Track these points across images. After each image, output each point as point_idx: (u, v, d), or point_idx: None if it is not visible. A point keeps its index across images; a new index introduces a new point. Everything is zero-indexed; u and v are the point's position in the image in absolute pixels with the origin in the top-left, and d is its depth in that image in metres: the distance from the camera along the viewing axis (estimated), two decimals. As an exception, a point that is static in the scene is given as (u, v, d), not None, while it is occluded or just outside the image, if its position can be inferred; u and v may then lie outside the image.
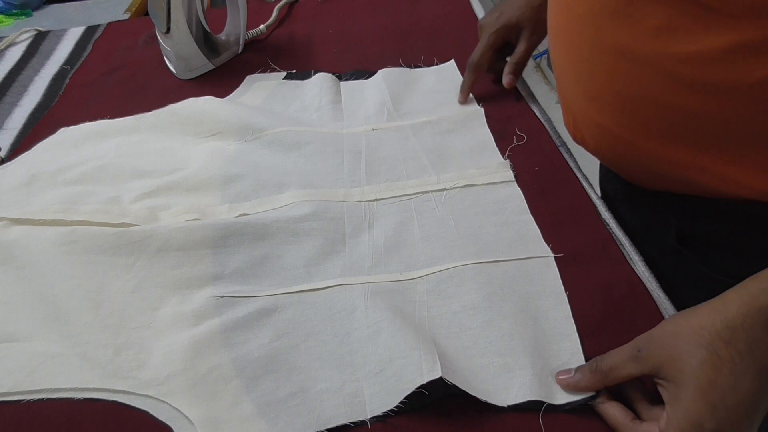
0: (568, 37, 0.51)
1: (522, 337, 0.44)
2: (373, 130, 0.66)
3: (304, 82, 0.77)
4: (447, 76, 0.76)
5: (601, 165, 0.69)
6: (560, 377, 0.41)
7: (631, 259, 0.50)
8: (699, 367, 0.35)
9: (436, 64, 0.79)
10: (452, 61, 0.78)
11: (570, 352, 0.43)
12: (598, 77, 0.49)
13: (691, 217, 0.53)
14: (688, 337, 0.37)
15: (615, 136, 0.51)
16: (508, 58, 0.72)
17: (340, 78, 0.77)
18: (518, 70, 0.71)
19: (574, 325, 0.45)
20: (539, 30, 0.69)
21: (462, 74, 0.73)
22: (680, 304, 0.46)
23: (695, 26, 0.40)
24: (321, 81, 0.76)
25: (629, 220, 0.61)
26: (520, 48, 0.70)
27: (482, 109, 0.69)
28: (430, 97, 0.72)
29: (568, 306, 0.46)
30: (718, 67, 0.41)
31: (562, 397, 0.40)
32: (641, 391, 0.40)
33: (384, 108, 0.70)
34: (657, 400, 0.38)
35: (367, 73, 0.78)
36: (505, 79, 0.70)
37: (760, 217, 0.48)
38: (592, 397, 0.40)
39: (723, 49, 0.40)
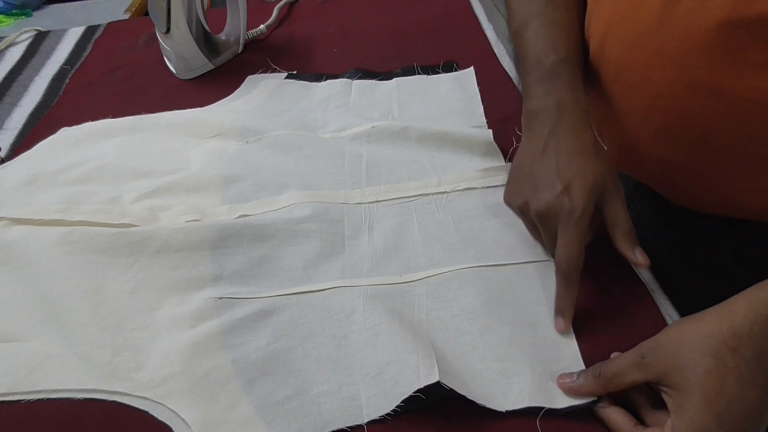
0: (637, 76, 0.48)
1: (521, 342, 0.44)
2: (373, 126, 0.66)
3: (312, 84, 0.77)
4: (461, 84, 0.74)
5: (630, 184, 0.61)
6: (562, 381, 0.41)
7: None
8: (705, 376, 0.35)
9: (437, 65, 0.78)
10: (471, 68, 0.77)
11: (570, 357, 0.43)
12: (676, 114, 0.46)
13: (748, 239, 0.52)
14: (693, 344, 0.36)
15: (684, 169, 0.49)
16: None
17: (352, 78, 0.77)
18: (636, 239, 0.47)
19: (572, 331, 0.45)
20: (616, 176, 0.49)
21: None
22: (681, 306, 0.46)
23: None
24: (331, 86, 0.75)
25: (662, 240, 0.58)
26: (618, 211, 0.48)
27: (491, 132, 0.64)
28: (439, 105, 0.71)
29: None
30: None
31: (562, 401, 0.40)
32: (645, 395, 0.40)
33: (389, 116, 0.70)
34: (660, 405, 0.38)
35: (376, 74, 0.78)
36: (641, 260, 0.46)
37: None
38: (594, 402, 0.40)
39: None
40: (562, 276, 0.46)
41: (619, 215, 0.47)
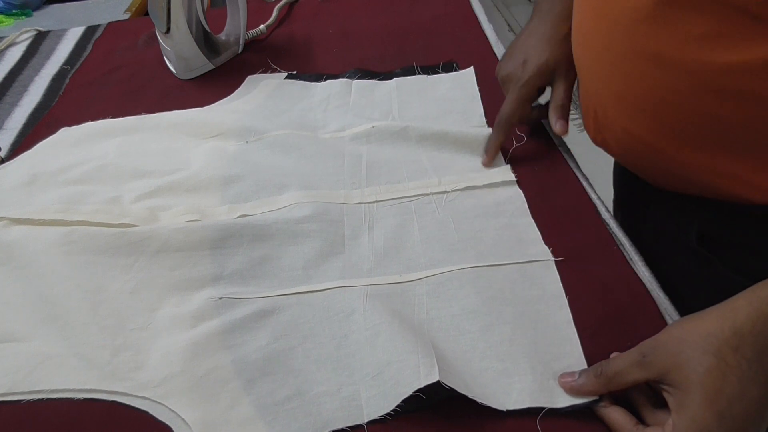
0: (600, 42, 0.50)
1: (522, 342, 0.44)
2: (373, 126, 0.66)
3: (312, 84, 0.77)
4: (461, 84, 0.75)
5: (615, 167, 0.69)
6: (563, 380, 0.41)
7: (631, 259, 0.50)
8: (706, 375, 0.35)
9: (437, 65, 0.78)
10: (471, 68, 0.77)
11: (571, 356, 0.43)
12: (631, 83, 0.48)
13: (713, 219, 0.53)
14: (694, 343, 0.36)
15: (644, 141, 0.50)
16: (540, 102, 0.65)
17: (351, 78, 0.77)
18: (566, 113, 0.62)
19: (574, 329, 0.45)
20: (572, 65, 0.60)
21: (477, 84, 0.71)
22: (682, 305, 0.46)
23: (739, 36, 0.40)
24: (331, 86, 0.75)
25: (645, 222, 0.60)
26: (560, 89, 0.62)
27: (491, 131, 0.63)
28: (439, 105, 0.71)
29: (569, 310, 0.46)
30: (758, 78, 0.40)
31: (563, 401, 0.40)
32: (646, 395, 0.40)
33: (390, 116, 0.70)
34: (661, 404, 0.38)
35: (376, 74, 0.78)
36: (558, 126, 0.60)
37: None
38: (595, 401, 0.40)
39: (765, 59, 0.39)
40: (496, 124, 0.61)
41: (559, 93, 0.61)
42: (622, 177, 0.66)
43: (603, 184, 0.68)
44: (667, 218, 0.58)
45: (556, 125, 0.60)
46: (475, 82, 0.74)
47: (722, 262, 0.53)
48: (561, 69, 0.61)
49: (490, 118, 0.68)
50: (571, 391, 0.40)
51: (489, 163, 0.61)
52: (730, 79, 0.42)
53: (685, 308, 0.43)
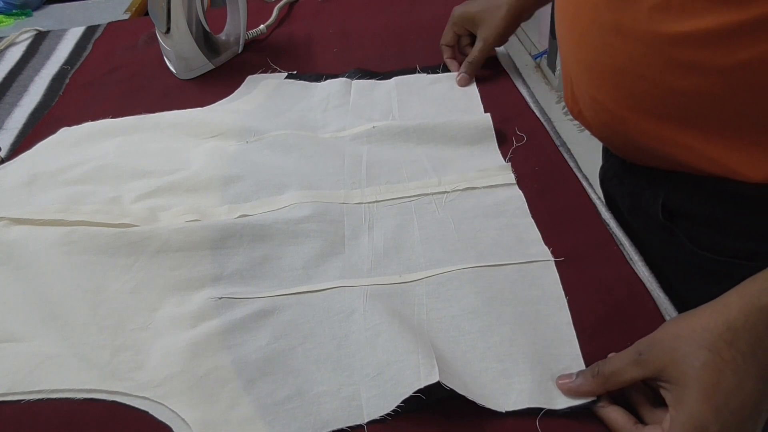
0: (572, 13, 0.52)
1: (521, 342, 0.44)
2: (374, 127, 0.66)
3: (312, 84, 0.77)
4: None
5: (603, 149, 0.70)
6: (561, 381, 0.41)
7: (631, 259, 0.50)
8: (702, 369, 0.35)
9: (437, 65, 0.78)
10: None
11: (570, 356, 0.43)
12: (595, 52, 0.50)
13: (677, 193, 0.55)
14: (689, 339, 0.37)
15: (608, 110, 0.52)
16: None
17: (351, 77, 0.77)
18: (471, 70, 0.73)
19: (573, 331, 0.45)
20: (495, 31, 0.72)
21: (476, 84, 0.74)
22: (681, 304, 0.46)
23: (687, 8, 0.42)
24: (330, 85, 0.75)
25: (622, 198, 0.62)
26: (476, 47, 0.73)
27: (489, 116, 0.66)
28: (439, 104, 0.71)
29: (568, 311, 0.46)
30: (706, 48, 0.42)
31: (562, 402, 0.40)
32: (644, 394, 0.40)
33: (390, 116, 0.70)
34: (659, 404, 0.38)
35: (376, 74, 0.78)
36: (458, 78, 0.74)
37: (742, 196, 0.49)
38: (593, 402, 0.40)
39: (711, 30, 0.41)
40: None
41: (474, 49, 0.73)
42: (604, 155, 0.69)
43: (603, 184, 0.69)
44: (639, 194, 0.60)
45: (458, 76, 0.74)
46: (474, 81, 0.74)
47: (688, 237, 0.55)
48: (482, 28, 0.73)
49: (493, 118, 0.68)
50: (569, 392, 0.40)
51: (456, 68, 0.76)
52: (679, 50, 0.44)
53: (683, 306, 0.43)
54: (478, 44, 0.73)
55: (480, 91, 0.72)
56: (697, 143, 0.48)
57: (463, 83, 0.73)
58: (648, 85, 0.47)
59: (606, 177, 0.68)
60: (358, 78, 0.77)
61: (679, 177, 0.53)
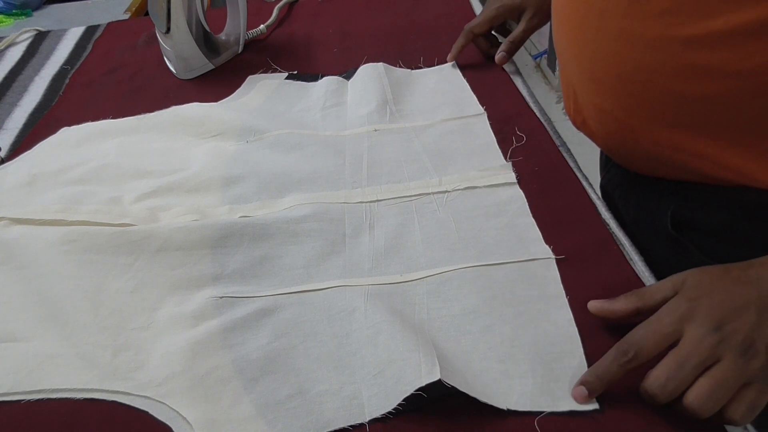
0: (573, 21, 0.51)
1: (523, 342, 0.44)
2: (375, 130, 0.66)
3: (310, 83, 0.77)
4: (448, 77, 0.76)
5: (601, 155, 0.70)
6: (594, 303, 0.44)
7: (631, 259, 0.50)
8: (712, 267, 0.40)
9: (437, 65, 0.79)
10: (453, 62, 0.78)
11: (572, 355, 0.43)
12: (601, 60, 0.49)
13: (687, 204, 0.54)
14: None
15: (616, 119, 0.51)
16: (502, 39, 0.77)
17: (348, 78, 0.77)
18: (513, 50, 0.76)
19: (575, 328, 0.45)
20: (540, 14, 0.74)
21: (463, 75, 0.74)
22: None
23: (699, 10, 0.41)
24: (327, 84, 0.76)
25: (625, 209, 0.61)
26: (520, 28, 0.75)
27: (484, 111, 0.68)
28: (432, 97, 0.72)
29: (569, 309, 0.46)
30: (720, 51, 0.42)
31: (564, 404, 0.40)
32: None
33: (386, 107, 0.70)
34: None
35: None
36: (498, 56, 0.75)
37: (757, 204, 0.49)
38: (596, 410, 0.39)
39: (725, 32, 0.41)
40: (462, 32, 0.77)
41: (517, 31, 0.75)
42: (605, 166, 0.68)
43: (603, 184, 0.69)
44: (645, 205, 0.59)
45: (498, 54, 0.75)
46: (460, 74, 0.76)
47: (698, 248, 0.54)
48: (529, 11, 0.74)
49: (490, 118, 0.68)
50: (601, 311, 0.43)
51: (452, 59, 0.78)
52: (692, 54, 0.43)
53: None
54: (523, 25, 0.75)
55: (480, 91, 0.72)
56: (712, 150, 0.47)
57: (502, 61, 0.75)
58: (659, 92, 0.46)
59: (608, 189, 0.67)
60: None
61: (689, 186, 0.52)
